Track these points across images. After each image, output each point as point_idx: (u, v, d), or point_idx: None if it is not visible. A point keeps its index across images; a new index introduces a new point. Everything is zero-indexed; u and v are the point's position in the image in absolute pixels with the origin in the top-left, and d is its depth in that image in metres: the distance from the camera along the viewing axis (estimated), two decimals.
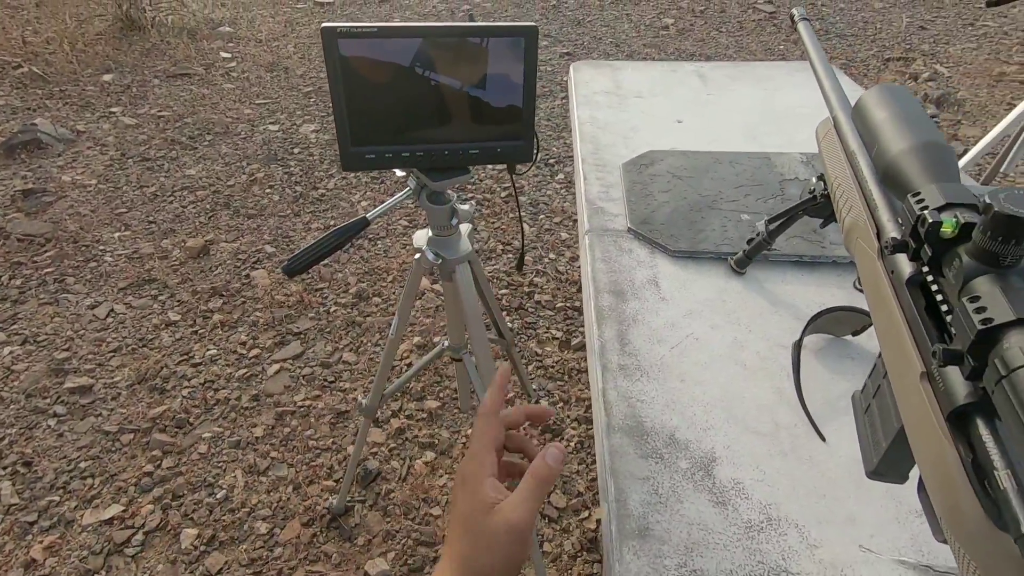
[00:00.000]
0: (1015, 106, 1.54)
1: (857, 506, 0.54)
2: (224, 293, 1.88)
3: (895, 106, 0.54)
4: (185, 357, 1.68)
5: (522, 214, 2.25)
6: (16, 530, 1.29)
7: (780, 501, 0.54)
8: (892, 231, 0.51)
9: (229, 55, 3.43)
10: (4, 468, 1.40)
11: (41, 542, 1.27)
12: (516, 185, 0.90)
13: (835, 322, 0.71)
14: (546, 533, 1.33)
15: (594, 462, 1.48)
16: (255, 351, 1.71)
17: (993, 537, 0.31)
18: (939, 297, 0.40)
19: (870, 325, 0.70)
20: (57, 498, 1.35)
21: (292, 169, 2.47)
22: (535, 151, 0.72)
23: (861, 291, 0.81)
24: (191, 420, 1.52)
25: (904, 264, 0.45)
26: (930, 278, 0.41)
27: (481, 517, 0.37)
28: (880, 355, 0.51)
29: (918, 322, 0.42)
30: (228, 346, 1.72)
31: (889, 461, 0.49)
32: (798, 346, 0.68)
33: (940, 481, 0.37)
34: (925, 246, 0.41)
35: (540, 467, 0.39)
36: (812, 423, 0.61)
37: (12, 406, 1.54)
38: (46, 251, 2.02)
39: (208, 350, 1.70)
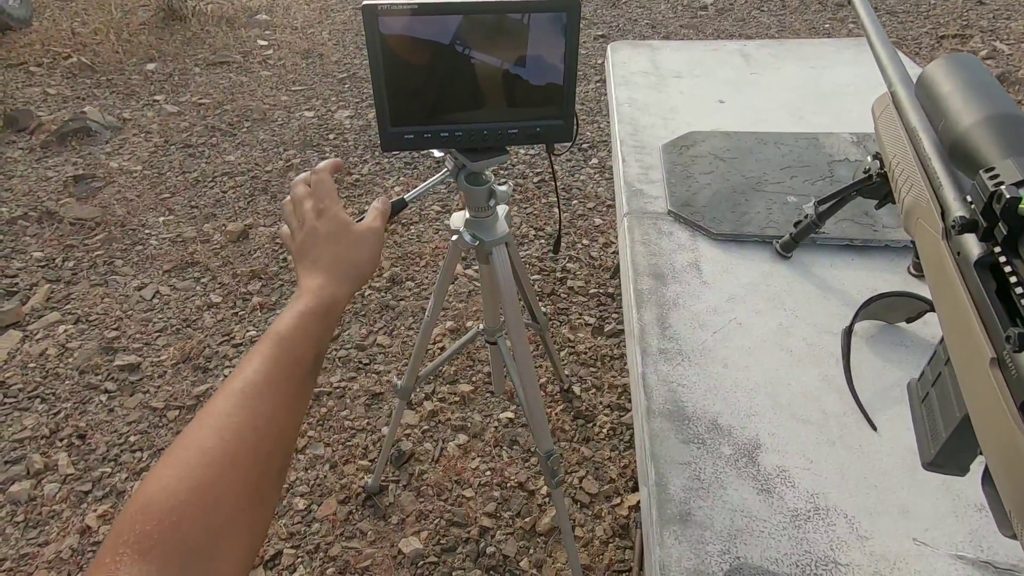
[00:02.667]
0: None
1: (911, 498, 0.52)
2: (263, 276, 1.93)
3: (965, 76, 0.51)
4: (226, 338, 1.73)
5: (556, 200, 2.24)
6: (72, 498, 1.36)
7: (828, 490, 0.53)
8: (958, 210, 0.48)
9: (266, 43, 3.48)
10: (61, 440, 1.48)
11: (95, 510, 1.33)
12: (554, 164, 0.89)
13: (888, 308, 0.68)
14: (577, 518, 1.33)
15: (627, 449, 1.47)
16: None
17: None
18: (1013, 279, 0.38)
19: (926, 311, 0.67)
20: (109, 469, 1.42)
21: (328, 155, 2.50)
22: (575, 131, 0.71)
23: (916, 276, 0.77)
24: None
25: (972, 245, 0.43)
26: (1003, 259, 0.39)
27: (348, 231, 0.49)
28: (941, 341, 0.48)
29: (988, 306, 0.39)
30: (267, 327, 1.76)
31: (949, 452, 0.47)
32: (848, 332, 0.65)
33: (1011, 472, 0.35)
34: (1000, 224, 0.38)
35: (383, 201, 0.55)
36: (863, 411, 0.59)
37: (67, 382, 1.61)
38: (96, 235, 2.10)
39: (248, 331, 1.75)
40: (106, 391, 1.59)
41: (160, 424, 1.51)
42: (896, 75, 0.67)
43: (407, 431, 1.49)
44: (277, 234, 2.00)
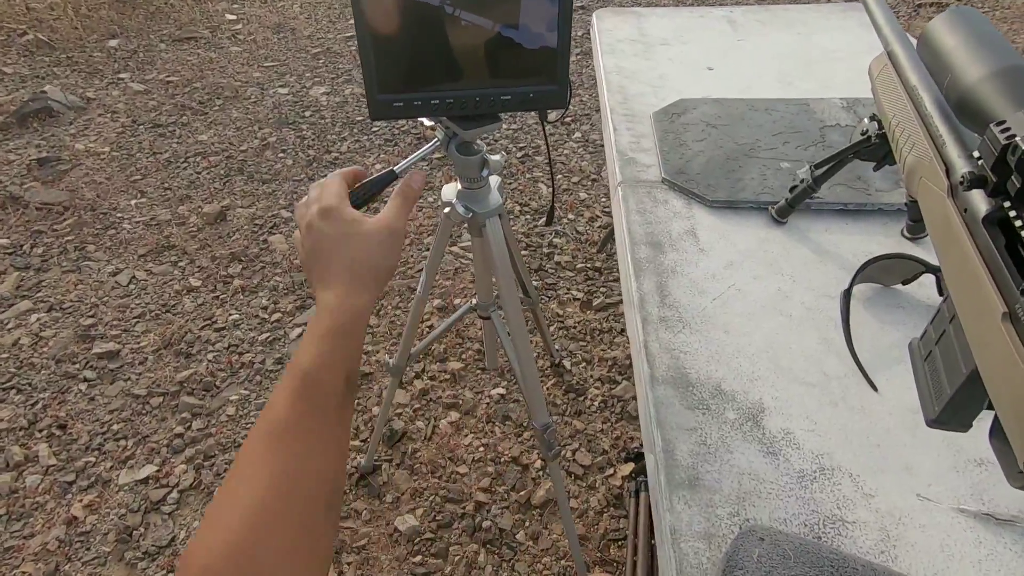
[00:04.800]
0: None
1: (913, 455, 0.53)
2: (243, 258, 1.88)
3: (969, 30, 0.50)
4: (208, 322, 1.69)
5: (541, 175, 2.21)
6: (56, 489, 1.33)
7: (832, 451, 0.53)
8: (965, 166, 0.48)
9: (234, 17, 3.35)
10: (40, 431, 1.44)
11: (81, 500, 1.31)
12: (546, 131, 0.87)
13: (884, 271, 0.69)
14: (572, 490, 1.34)
15: (618, 420, 1.48)
16: (276, 315, 1.71)
17: None
18: None
19: (921, 273, 0.68)
20: (93, 459, 1.38)
21: (304, 133, 2.43)
22: (568, 97, 0.69)
23: (910, 239, 0.77)
24: (217, 383, 1.54)
25: (980, 201, 0.42)
26: (1012, 213, 0.38)
27: (358, 229, 0.43)
28: (945, 299, 0.48)
29: (998, 261, 0.39)
30: (250, 311, 1.72)
31: (953, 409, 0.47)
32: (847, 295, 0.65)
33: None
34: (1013, 177, 0.38)
35: (406, 187, 0.48)
36: (863, 372, 0.60)
37: (44, 371, 1.56)
38: (65, 219, 2.02)
39: (230, 315, 1.71)
40: (85, 380, 1.55)
41: (144, 411, 1.48)
42: (893, 34, 0.66)
43: (398, 410, 1.48)
44: (290, 241, 1.93)
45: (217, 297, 1.76)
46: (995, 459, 0.39)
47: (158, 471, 1.36)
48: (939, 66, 0.51)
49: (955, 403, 0.46)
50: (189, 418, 1.46)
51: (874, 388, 0.59)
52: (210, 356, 1.60)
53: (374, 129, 2.41)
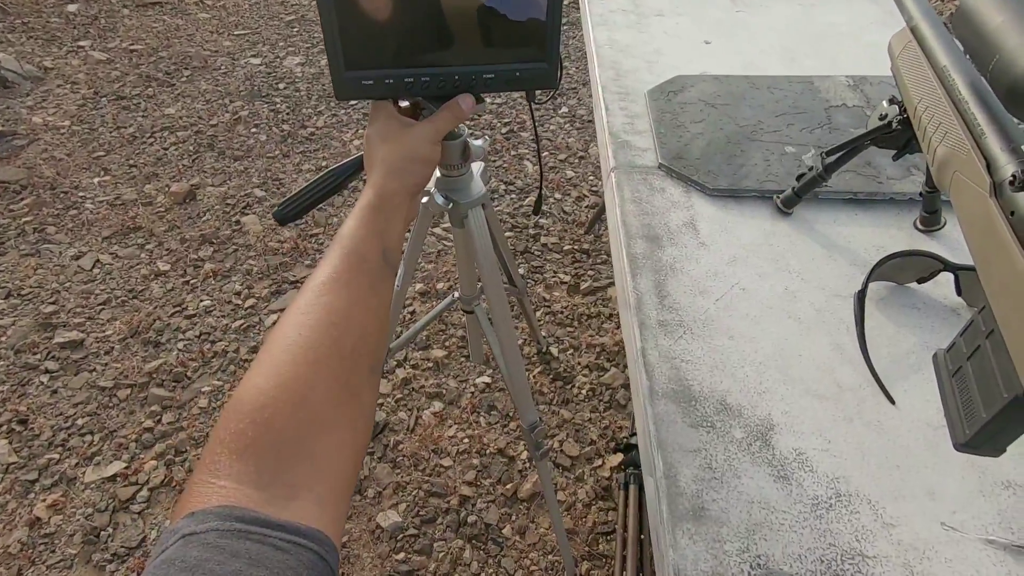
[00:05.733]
0: None
1: (935, 477, 0.48)
2: (214, 241, 1.79)
3: (1020, 4, 0.43)
4: (178, 309, 1.61)
5: (527, 151, 2.13)
6: (17, 489, 1.26)
7: (849, 474, 0.49)
8: (1010, 163, 0.42)
9: None
10: None
11: (44, 500, 1.24)
12: (534, 113, 0.80)
13: (898, 269, 0.63)
14: (559, 482, 1.31)
15: (606, 409, 1.44)
16: (251, 301, 1.63)
17: None
18: None
19: (939, 271, 0.63)
20: (57, 456, 1.31)
21: (278, 106, 2.31)
22: (559, 76, 0.61)
23: (924, 232, 0.72)
24: (189, 374, 1.47)
25: None
26: None
27: (397, 125, 0.50)
28: (981, 311, 0.43)
29: None
30: (222, 296, 1.64)
31: (988, 434, 0.42)
32: (861, 298, 0.60)
33: None
34: None
35: (455, 106, 0.53)
36: (879, 383, 0.55)
37: (1, 362, 1.47)
38: (22, 199, 1.90)
39: (202, 301, 1.63)
40: (47, 371, 1.47)
41: (110, 404, 1.41)
42: (917, 7, 0.59)
43: (380, 400, 1.42)
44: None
45: (187, 282, 1.68)
46: None
47: (126, 468, 1.29)
48: (983, 45, 0.44)
49: (991, 429, 0.41)
50: (159, 411, 1.40)
51: (891, 401, 0.54)
52: (180, 345, 1.52)
53: (352, 103, 2.30)
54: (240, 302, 1.63)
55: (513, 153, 2.13)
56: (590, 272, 1.73)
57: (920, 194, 0.71)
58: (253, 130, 2.20)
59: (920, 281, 0.64)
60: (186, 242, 1.78)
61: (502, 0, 0.56)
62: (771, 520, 0.46)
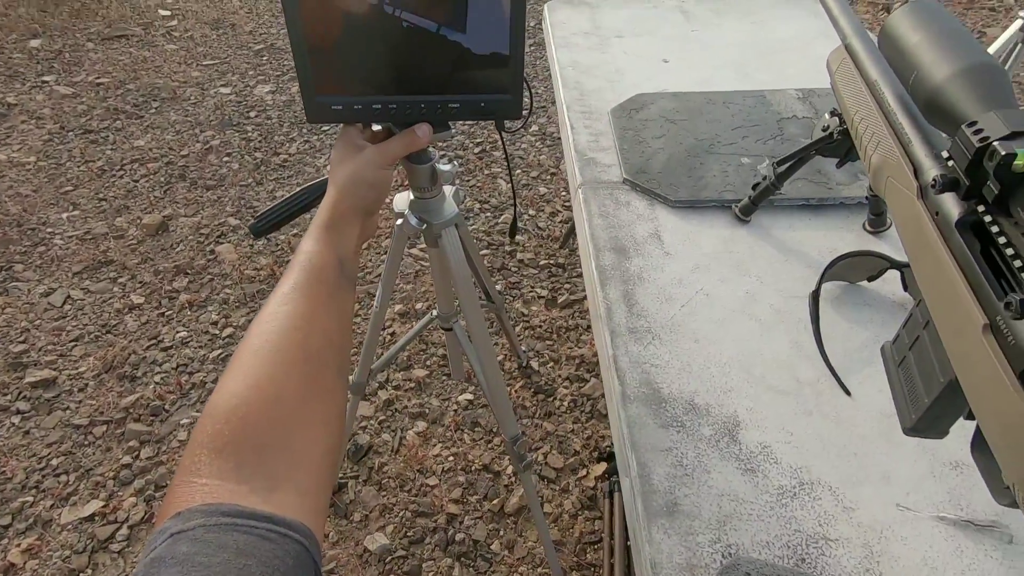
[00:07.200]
0: (985, 33, 1.50)
1: (890, 462, 0.51)
2: (189, 271, 1.78)
3: (933, 25, 0.48)
4: (154, 341, 1.59)
5: (499, 170, 2.17)
6: None
7: (811, 463, 0.51)
8: (933, 168, 0.46)
9: (168, 12, 3.17)
10: None
11: (19, 545, 1.21)
12: (505, 144, 0.83)
13: (850, 268, 0.68)
14: (545, 494, 1.32)
15: (588, 420, 1.46)
16: (228, 330, 1.62)
17: None
18: (1002, 240, 0.36)
19: (887, 269, 0.67)
20: (31, 498, 1.28)
21: (250, 134, 2.31)
22: (528, 107, 0.64)
23: (872, 233, 0.77)
24: (167, 407, 1.45)
25: (952, 204, 0.40)
26: (988, 219, 0.37)
27: (354, 148, 0.54)
28: (919, 304, 0.47)
29: (975, 269, 0.37)
30: (199, 327, 1.63)
31: (931, 418, 0.45)
32: (816, 296, 0.64)
33: (1013, 442, 0.33)
34: (990, 182, 0.36)
35: (410, 132, 0.57)
36: (836, 377, 0.58)
37: None
38: None
39: (178, 332, 1.61)
40: (18, 412, 1.43)
41: (86, 442, 1.38)
42: (850, 26, 0.64)
43: (363, 423, 1.43)
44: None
45: (162, 314, 1.66)
46: (971, 462, 0.38)
47: (104, 506, 1.27)
48: (903, 62, 0.49)
49: (933, 413, 0.45)
50: (137, 446, 1.37)
51: (847, 393, 0.57)
52: (157, 378, 1.50)
53: (324, 128, 2.31)
54: (217, 331, 1.62)
55: (486, 172, 2.16)
56: (567, 285, 1.76)
57: (866, 198, 0.75)
58: (225, 159, 2.20)
59: (870, 279, 0.68)
60: (160, 274, 1.77)
61: (466, 34, 0.59)
62: (740, 511, 0.48)
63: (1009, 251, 0.35)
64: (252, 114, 2.42)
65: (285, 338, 0.37)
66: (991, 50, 1.47)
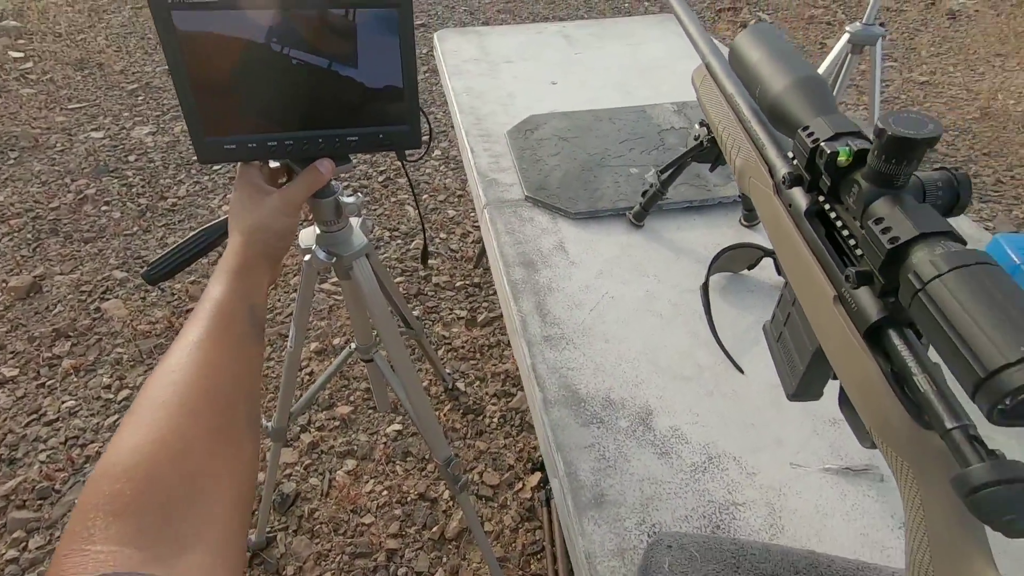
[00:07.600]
0: (825, 44, 1.72)
1: (781, 428, 0.58)
2: (71, 333, 1.62)
3: (767, 45, 0.55)
4: (34, 416, 1.43)
5: (406, 196, 2.17)
6: None
7: (716, 439, 0.57)
8: (783, 167, 0.53)
9: (21, 54, 2.90)
10: None
11: None
12: (408, 172, 0.84)
13: (731, 260, 0.75)
14: (484, 513, 1.32)
15: (519, 433, 1.49)
16: (124, 392, 1.49)
17: (921, 437, 0.34)
18: (839, 224, 0.42)
19: (762, 257, 0.75)
20: None
21: (131, 180, 2.16)
22: (428, 135, 0.66)
23: (747, 226, 0.86)
24: (57, 487, 1.31)
25: (800, 197, 0.47)
26: (827, 207, 0.43)
27: (256, 192, 0.52)
28: (786, 285, 0.53)
29: (823, 250, 0.43)
30: (89, 393, 1.48)
31: (806, 383, 0.52)
32: (705, 288, 0.71)
33: (866, 394, 0.39)
34: (823, 176, 0.42)
35: (314, 171, 0.56)
36: (730, 358, 0.65)
37: None
38: None
39: (64, 402, 1.46)
40: None
41: None
42: (707, 48, 0.72)
43: (287, 471, 1.36)
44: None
45: (42, 384, 1.50)
46: (844, 418, 0.44)
47: None
48: (749, 78, 0.56)
49: (807, 378, 0.51)
50: (24, 536, 1.22)
51: (741, 371, 0.64)
52: (42, 456, 1.35)
53: (216, 168, 2.21)
54: (112, 395, 1.49)
55: (393, 199, 2.16)
56: (484, 304, 1.79)
57: (739, 196, 0.85)
58: (104, 208, 2.03)
59: (750, 267, 0.76)
60: (35, 340, 1.60)
61: (358, 70, 0.60)
62: (660, 492, 0.52)
63: (845, 232, 0.41)
64: (131, 158, 2.27)
65: (192, 389, 0.36)
66: (826, 61, 1.69)
